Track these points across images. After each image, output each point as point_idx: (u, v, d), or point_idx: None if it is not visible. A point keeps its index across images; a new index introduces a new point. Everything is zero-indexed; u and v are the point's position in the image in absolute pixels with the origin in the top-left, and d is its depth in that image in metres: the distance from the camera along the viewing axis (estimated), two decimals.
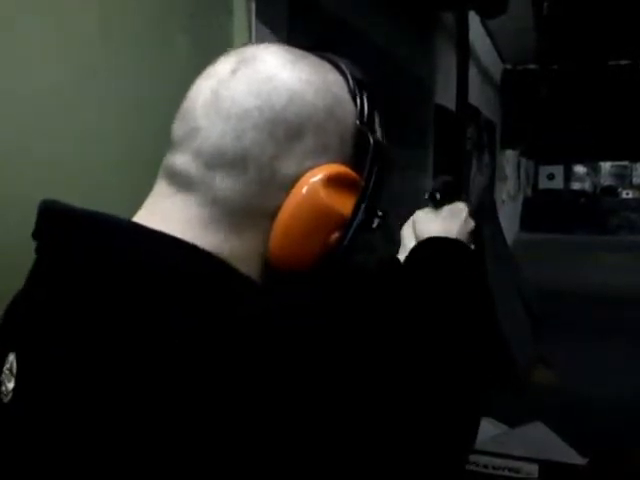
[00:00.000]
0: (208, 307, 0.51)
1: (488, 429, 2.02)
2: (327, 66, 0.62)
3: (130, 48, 1.20)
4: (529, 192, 15.04)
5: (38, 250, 0.60)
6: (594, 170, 16.11)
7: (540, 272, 7.57)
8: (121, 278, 0.52)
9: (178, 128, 0.60)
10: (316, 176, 0.57)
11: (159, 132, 1.26)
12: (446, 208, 0.94)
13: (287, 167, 0.57)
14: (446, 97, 4.61)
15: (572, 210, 13.96)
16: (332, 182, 0.58)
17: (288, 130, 0.57)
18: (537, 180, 15.42)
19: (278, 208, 0.58)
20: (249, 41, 1.53)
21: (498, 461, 1.63)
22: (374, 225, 0.64)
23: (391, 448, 0.52)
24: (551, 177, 14.99)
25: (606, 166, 16.15)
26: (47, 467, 0.51)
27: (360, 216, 0.61)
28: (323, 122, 0.58)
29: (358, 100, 0.62)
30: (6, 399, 0.56)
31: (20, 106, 0.98)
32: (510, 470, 1.60)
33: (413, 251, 0.88)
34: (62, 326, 0.54)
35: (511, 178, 11.00)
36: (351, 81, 0.62)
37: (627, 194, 15.50)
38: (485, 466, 1.61)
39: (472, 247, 0.94)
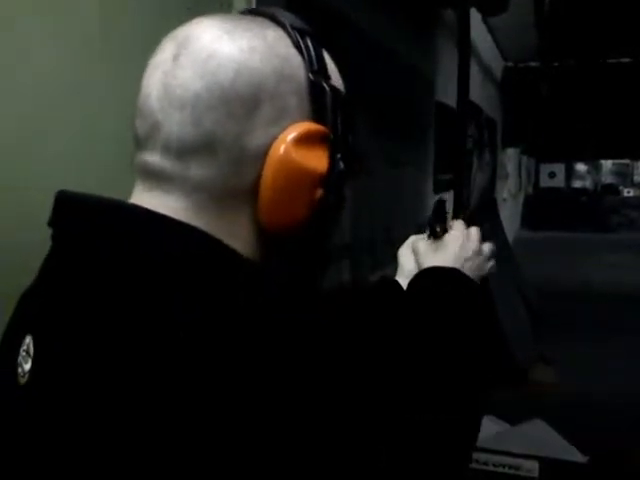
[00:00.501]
0: (211, 296, 0.51)
1: (489, 426, 2.01)
2: (265, 24, 0.60)
3: (128, 44, 1.19)
4: (530, 190, 15.06)
5: (54, 237, 0.60)
6: (595, 168, 16.12)
7: (541, 270, 7.58)
8: (129, 264, 0.53)
9: (140, 126, 0.59)
10: (284, 141, 0.57)
11: None
12: (454, 237, 0.91)
13: (254, 140, 0.56)
14: (447, 95, 4.61)
15: (573, 208, 13.96)
16: (301, 142, 0.57)
17: (243, 104, 0.56)
18: (538, 178, 15.43)
19: (257, 181, 0.57)
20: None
21: (498, 458, 1.63)
22: (353, 171, 0.63)
23: (388, 443, 0.53)
24: (552, 175, 15.00)
25: (607, 164, 16.16)
26: (60, 449, 0.52)
27: (338, 166, 0.60)
28: (275, 86, 0.57)
29: (304, 51, 0.59)
30: (23, 380, 0.56)
31: (19, 103, 0.98)
32: (510, 467, 1.60)
33: (414, 280, 0.86)
34: (75, 310, 0.54)
35: (512, 176, 11.01)
36: (292, 32, 0.60)
37: (628, 192, 15.51)
38: (485, 463, 1.61)
39: (487, 268, 0.91)
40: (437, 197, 1.10)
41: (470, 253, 0.88)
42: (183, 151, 0.56)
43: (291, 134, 0.57)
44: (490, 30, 6.82)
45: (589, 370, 4.28)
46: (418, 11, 3.87)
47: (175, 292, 0.51)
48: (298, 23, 0.61)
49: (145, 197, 0.59)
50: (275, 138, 0.57)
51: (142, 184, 0.60)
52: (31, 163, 1.01)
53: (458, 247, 0.88)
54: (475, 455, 1.61)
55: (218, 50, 0.56)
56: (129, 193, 0.62)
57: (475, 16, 5.12)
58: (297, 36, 0.60)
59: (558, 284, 7.31)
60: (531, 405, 3.07)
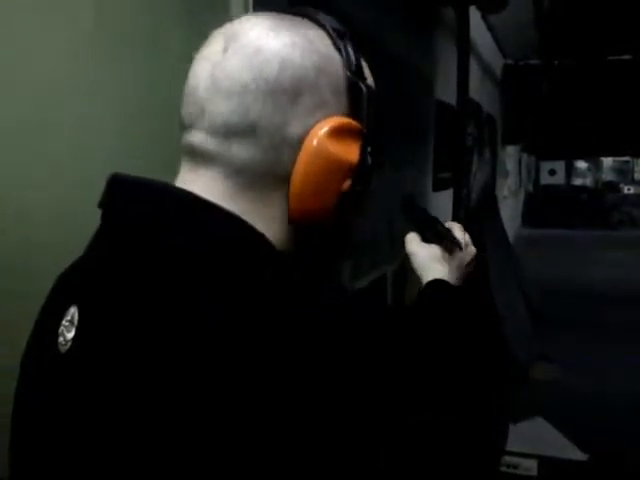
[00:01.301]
0: (237, 291, 0.54)
1: None
2: (307, 24, 0.65)
3: (123, 43, 1.19)
4: (531, 188, 15.04)
5: (103, 216, 0.65)
6: (595, 166, 16.10)
7: (541, 268, 7.57)
8: (169, 249, 0.57)
9: (186, 112, 0.64)
10: (320, 131, 0.61)
11: (153, 126, 1.26)
12: (442, 251, 1.01)
13: (293, 129, 0.61)
14: (447, 92, 4.60)
15: (573, 206, 13.96)
16: (335, 133, 0.62)
17: (286, 95, 0.60)
18: (538, 176, 15.42)
19: (292, 169, 0.62)
20: (246, 11, 1.51)
21: None
22: (379, 166, 0.67)
23: (389, 444, 0.55)
24: (552, 173, 14.99)
25: (608, 161, 16.14)
26: (94, 417, 0.55)
27: (367, 160, 0.64)
28: (315, 80, 0.62)
29: (343, 51, 0.64)
30: (64, 349, 0.61)
31: (12, 99, 0.97)
32: (509, 466, 1.60)
33: (421, 296, 0.96)
34: (119, 288, 0.59)
35: (512, 174, 10.99)
36: (332, 33, 0.65)
37: (629, 189, 15.49)
38: None
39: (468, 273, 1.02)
40: (405, 194, 1.15)
41: (468, 259, 1.01)
42: (228, 134, 0.61)
43: (327, 125, 0.61)
44: (490, 28, 6.81)
45: (590, 368, 4.28)
46: (417, 9, 3.86)
47: (205, 282, 0.55)
48: (337, 25, 0.66)
49: (188, 177, 0.64)
50: (312, 128, 0.61)
51: (187, 164, 0.65)
52: (30, 161, 1.01)
53: (460, 260, 1.00)
54: None
55: (264, 45, 0.61)
56: None
57: (475, 14, 5.11)
58: (336, 37, 0.65)
59: (559, 282, 7.31)
60: (532, 403, 3.06)
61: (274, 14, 0.65)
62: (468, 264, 1.02)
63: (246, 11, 1.53)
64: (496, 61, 8.23)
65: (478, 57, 6.33)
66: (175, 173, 0.67)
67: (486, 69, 7.21)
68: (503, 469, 1.60)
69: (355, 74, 0.64)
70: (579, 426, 2.37)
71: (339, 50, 0.64)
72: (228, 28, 0.64)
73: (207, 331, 0.52)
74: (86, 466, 0.56)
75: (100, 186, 0.65)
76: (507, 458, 1.60)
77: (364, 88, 0.65)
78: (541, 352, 4.56)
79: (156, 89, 1.27)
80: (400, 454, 0.55)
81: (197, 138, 0.63)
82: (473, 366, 0.76)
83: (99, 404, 0.55)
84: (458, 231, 1.04)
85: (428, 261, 1.00)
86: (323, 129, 0.61)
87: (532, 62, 8.84)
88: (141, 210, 0.61)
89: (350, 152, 0.63)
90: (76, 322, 0.61)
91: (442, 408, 0.64)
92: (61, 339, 0.61)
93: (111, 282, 0.60)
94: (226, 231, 0.59)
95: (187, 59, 1.33)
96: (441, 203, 4.58)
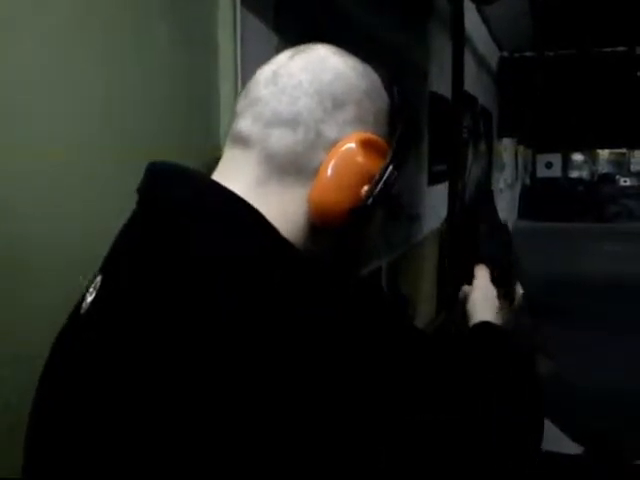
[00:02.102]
0: (251, 287, 0.57)
1: None
2: (365, 63, 0.73)
3: (107, 35, 1.17)
4: (527, 180, 15.03)
5: (139, 201, 0.70)
6: (592, 158, 16.07)
7: (538, 260, 7.57)
8: (192, 240, 0.61)
9: (242, 101, 0.71)
10: (353, 139, 0.67)
11: (140, 119, 1.25)
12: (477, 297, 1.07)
13: (330, 131, 0.67)
14: (442, 85, 4.58)
15: (570, 198, 13.96)
16: (365, 145, 0.67)
17: (333, 100, 0.67)
18: (535, 168, 15.40)
19: (319, 166, 0.66)
20: (234, 28, 1.50)
21: None
22: (394, 189, 0.71)
23: (389, 445, 0.56)
24: (549, 165, 14.97)
25: (604, 154, 16.11)
26: (104, 377, 0.59)
27: (387, 175, 0.68)
28: (362, 99, 0.69)
29: (391, 91, 0.73)
30: (83, 311, 0.67)
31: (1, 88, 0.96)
32: None
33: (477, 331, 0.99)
34: (140, 266, 0.63)
35: (509, 167, 10.98)
36: (385, 78, 0.74)
37: (625, 181, 15.47)
38: None
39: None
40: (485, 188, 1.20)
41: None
42: (271, 121, 0.67)
43: (360, 136, 0.67)
44: (485, 20, 6.78)
45: (587, 361, 4.28)
46: (411, 1, 3.84)
47: (221, 273, 0.58)
48: (390, 73, 0.75)
49: (227, 164, 0.70)
50: (347, 135, 0.67)
51: (228, 150, 0.71)
52: (12, 152, 0.99)
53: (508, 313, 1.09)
54: None
55: (328, 59, 0.70)
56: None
57: (470, 6, 5.09)
58: (388, 80, 0.74)
59: (556, 274, 7.32)
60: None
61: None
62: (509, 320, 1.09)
63: (233, 3, 1.51)
64: (492, 54, 8.21)
65: (473, 50, 6.31)
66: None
67: (481, 62, 7.19)
68: None
69: (397, 110, 0.73)
70: (576, 419, 2.36)
71: (388, 90, 0.73)
72: (300, 46, 0.72)
73: (221, 320, 0.55)
74: (91, 442, 0.58)
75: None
76: None
77: (400, 126, 0.72)
78: (538, 345, 4.55)
79: (140, 79, 1.26)
80: (401, 455, 0.56)
81: (243, 124, 0.69)
82: (505, 378, 0.78)
83: (98, 372, 0.59)
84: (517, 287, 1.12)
85: (485, 303, 1.05)
86: (355, 138, 0.67)
87: (528, 54, 8.83)
88: (173, 198, 0.65)
89: (373, 164, 0.68)
90: (97, 288, 0.67)
91: (447, 411, 0.63)
92: (84, 304, 0.68)
93: (135, 258, 0.65)
94: (248, 229, 0.62)
95: (173, 51, 1.32)
96: (437, 196, 4.57)
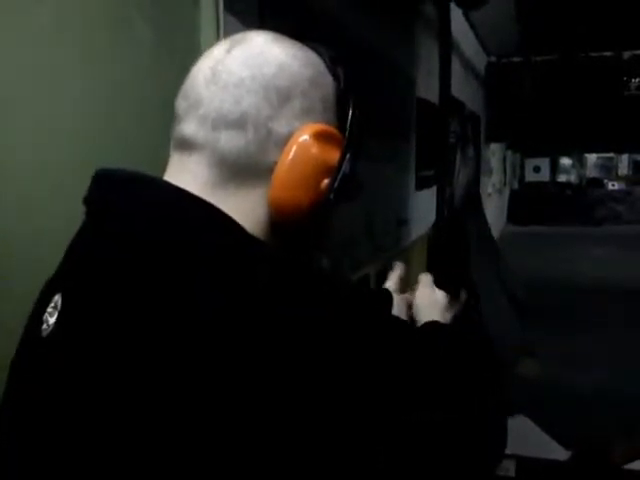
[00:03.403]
0: (232, 285, 0.56)
1: None
2: (306, 47, 0.71)
3: (90, 37, 1.16)
4: (516, 185, 15.09)
5: (87, 210, 0.67)
6: (580, 162, 16.17)
7: (526, 264, 7.60)
8: (152, 241, 0.59)
9: (182, 102, 0.68)
10: (305, 132, 0.65)
11: (122, 123, 1.24)
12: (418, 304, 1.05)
13: (280, 126, 0.65)
14: (429, 90, 4.59)
15: (558, 202, 14.04)
16: (319, 137, 0.66)
17: (279, 94, 0.65)
18: (523, 173, 15.47)
19: (274, 164, 0.65)
20: (216, 31, 1.49)
21: None
22: (353, 178, 0.70)
23: (387, 444, 0.56)
24: (537, 170, 15.05)
25: (592, 158, 16.21)
26: (72, 403, 0.57)
27: (345, 166, 0.68)
28: (308, 89, 0.67)
29: (336, 75, 0.71)
30: (46, 333, 0.63)
31: None
32: None
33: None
34: (103, 277, 0.61)
35: (497, 171, 11.03)
36: (327, 60, 0.71)
37: (613, 185, 15.58)
38: None
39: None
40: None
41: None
42: (218, 123, 0.64)
43: (312, 128, 0.66)
44: (472, 25, 6.81)
45: (574, 363, 4.29)
46: (398, 6, 3.85)
47: (198, 272, 0.56)
48: (332, 53, 0.72)
49: (176, 170, 0.67)
50: (297, 129, 0.66)
51: (175, 157, 0.68)
52: None
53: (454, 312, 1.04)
54: None
55: (267, 50, 0.67)
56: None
57: (457, 11, 5.11)
58: (330, 62, 0.72)
59: (544, 278, 7.34)
60: (515, 400, 3.06)
61: (281, 34, 0.70)
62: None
63: (216, 2, 1.50)
64: (479, 59, 8.25)
65: (461, 55, 6.33)
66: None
67: (469, 67, 7.22)
68: None
69: (344, 93, 0.71)
70: (563, 423, 2.36)
71: (332, 73, 0.71)
72: (235, 36, 0.69)
73: (202, 318, 0.54)
74: (63, 451, 0.57)
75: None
76: None
77: (350, 108, 0.71)
78: (525, 348, 4.56)
79: (122, 84, 1.25)
80: (398, 454, 0.56)
81: (188, 128, 0.66)
82: (473, 366, 0.77)
83: (78, 390, 0.57)
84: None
85: (429, 306, 1.03)
86: (308, 131, 0.65)
87: (515, 59, 8.86)
88: (126, 203, 0.63)
89: (330, 155, 0.67)
90: (59, 307, 0.63)
91: (440, 407, 0.65)
92: (44, 325, 0.64)
93: (95, 270, 0.62)
94: (207, 224, 0.60)
95: (154, 53, 1.31)
96: (424, 202, 4.57)
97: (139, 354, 0.55)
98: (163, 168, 0.70)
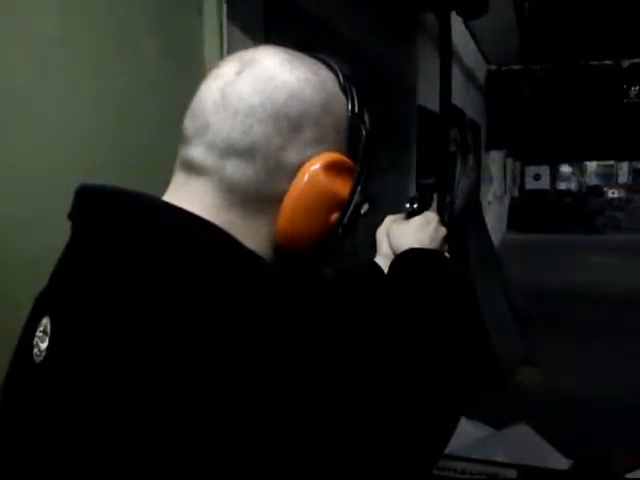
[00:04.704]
0: (219, 300, 0.55)
1: (471, 431, 2.00)
2: (319, 64, 0.69)
3: (94, 48, 1.17)
4: (516, 192, 15.11)
5: (73, 228, 0.66)
6: (580, 170, 16.20)
7: (527, 272, 7.59)
8: (142, 257, 0.57)
9: (190, 125, 0.65)
10: (316, 164, 0.64)
11: (127, 134, 1.25)
12: (416, 219, 0.99)
13: (290, 156, 0.63)
14: (429, 99, 4.61)
15: (558, 210, 14.04)
16: (330, 168, 0.65)
17: (289, 123, 0.63)
18: (523, 181, 15.49)
19: (284, 194, 0.64)
20: (220, 43, 1.50)
21: (476, 467, 1.61)
22: (366, 208, 0.70)
23: (361, 439, 0.55)
24: (537, 177, 15.07)
25: (592, 166, 16.24)
26: (71, 423, 0.56)
27: (357, 197, 0.67)
28: (320, 116, 0.65)
29: (349, 94, 0.68)
30: (39, 359, 0.61)
31: None
32: (487, 476, 1.58)
33: (393, 263, 0.93)
34: (91, 297, 0.59)
35: (497, 179, 11.04)
36: (341, 77, 0.69)
37: (613, 193, 15.61)
38: (463, 472, 1.59)
39: (446, 252, 0.98)
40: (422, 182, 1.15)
41: (440, 234, 0.97)
42: (226, 151, 0.62)
43: (323, 159, 0.64)
44: (472, 34, 6.84)
45: (575, 372, 4.29)
46: (399, 15, 3.87)
47: (185, 289, 0.55)
48: (346, 70, 0.70)
49: (182, 189, 0.65)
50: (309, 159, 0.64)
51: (181, 176, 0.66)
52: None
53: (433, 228, 0.97)
54: (451, 464, 1.59)
55: (278, 75, 0.64)
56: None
57: (457, 20, 5.13)
58: (344, 81, 0.69)
59: (544, 286, 7.34)
60: (516, 408, 3.05)
61: (291, 50, 0.68)
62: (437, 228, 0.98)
63: (219, 14, 1.51)
64: (479, 67, 8.27)
65: (461, 63, 6.35)
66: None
67: (469, 75, 7.24)
68: (483, 478, 1.59)
69: (357, 117, 0.68)
70: (565, 432, 2.36)
71: (345, 93, 0.68)
72: (245, 54, 0.67)
73: (191, 335, 0.53)
74: (65, 474, 0.56)
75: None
76: (486, 467, 1.59)
77: (363, 131, 0.69)
78: (526, 356, 4.56)
79: (127, 95, 1.26)
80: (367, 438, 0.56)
81: (195, 152, 0.64)
82: (443, 354, 0.74)
83: (76, 414, 0.56)
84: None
85: (404, 233, 0.97)
86: (319, 162, 0.64)
87: (515, 67, 8.89)
88: (111, 220, 0.61)
89: (341, 187, 0.66)
90: (49, 332, 0.61)
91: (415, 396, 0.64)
92: (36, 350, 0.62)
93: (84, 294, 0.60)
94: (203, 240, 0.59)
95: (159, 64, 1.32)
96: None
97: (138, 380, 0.53)
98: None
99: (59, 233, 0.66)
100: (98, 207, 0.63)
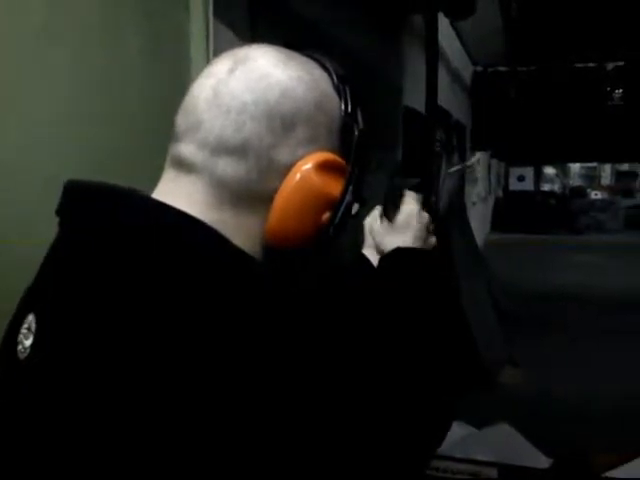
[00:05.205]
0: (213, 294, 0.55)
1: (454, 431, 2.00)
2: (313, 63, 0.69)
3: (79, 45, 1.17)
4: (500, 193, 15.19)
5: (60, 224, 0.65)
6: (564, 171, 16.33)
7: (510, 272, 7.63)
8: (130, 254, 0.57)
9: (182, 122, 0.65)
10: (308, 163, 0.64)
11: (111, 133, 1.24)
12: (400, 219, 0.99)
13: (282, 155, 0.63)
14: (415, 99, 4.62)
15: (542, 211, 14.14)
16: (322, 168, 0.64)
17: (282, 122, 0.63)
18: (508, 182, 15.58)
19: (275, 192, 0.63)
20: (206, 41, 1.50)
21: (457, 466, 1.62)
22: (357, 208, 0.69)
23: (351, 439, 0.55)
24: (521, 179, 15.16)
25: (575, 167, 16.37)
26: (56, 421, 0.55)
27: (348, 197, 0.67)
28: (313, 115, 0.65)
29: (342, 94, 0.68)
30: (23, 356, 0.61)
31: None
32: (469, 474, 1.59)
33: (380, 264, 0.95)
34: (77, 294, 0.59)
35: (482, 180, 11.08)
36: (335, 77, 0.69)
37: (596, 195, 15.77)
38: (445, 471, 1.60)
39: (433, 242, 1.00)
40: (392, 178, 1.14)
41: (424, 232, 0.98)
42: (218, 149, 0.62)
43: (315, 158, 0.64)
44: (459, 35, 6.86)
45: (558, 372, 4.32)
46: (385, 16, 3.87)
47: (174, 288, 0.55)
48: (340, 70, 0.70)
49: (171, 185, 0.65)
50: (301, 158, 0.64)
51: (171, 173, 0.66)
52: None
53: (416, 227, 0.98)
54: (434, 463, 1.60)
55: (271, 73, 0.64)
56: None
57: (444, 21, 5.14)
58: (338, 80, 0.69)
59: (528, 286, 7.37)
60: (499, 408, 3.07)
61: (285, 49, 0.68)
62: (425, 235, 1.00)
63: (206, 11, 1.51)
64: (465, 68, 8.30)
65: (447, 64, 6.38)
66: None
67: (455, 76, 7.26)
68: (464, 477, 1.60)
69: (350, 116, 0.68)
70: (547, 431, 2.37)
71: (339, 93, 0.68)
72: (239, 51, 0.66)
73: (178, 335, 0.52)
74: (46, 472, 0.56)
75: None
76: (467, 466, 1.60)
77: (356, 130, 0.69)
78: (509, 356, 4.59)
79: (112, 93, 1.25)
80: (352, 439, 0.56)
81: (187, 150, 0.64)
82: (430, 355, 0.75)
83: (58, 413, 0.55)
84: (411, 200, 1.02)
85: (389, 234, 0.98)
86: (311, 161, 0.64)
87: (501, 69, 8.94)
88: (99, 216, 0.61)
89: (333, 187, 0.66)
90: (34, 329, 0.61)
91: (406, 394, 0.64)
92: (20, 347, 0.61)
93: (69, 291, 0.60)
94: (190, 236, 0.58)
95: (144, 61, 1.32)
96: None
97: (125, 379, 0.53)
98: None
99: (49, 232, 0.66)
100: (86, 203, 0.63)
